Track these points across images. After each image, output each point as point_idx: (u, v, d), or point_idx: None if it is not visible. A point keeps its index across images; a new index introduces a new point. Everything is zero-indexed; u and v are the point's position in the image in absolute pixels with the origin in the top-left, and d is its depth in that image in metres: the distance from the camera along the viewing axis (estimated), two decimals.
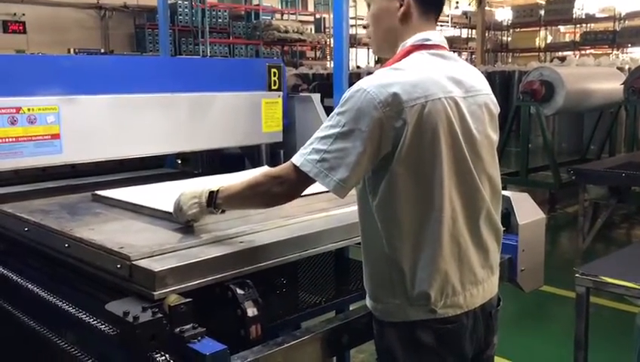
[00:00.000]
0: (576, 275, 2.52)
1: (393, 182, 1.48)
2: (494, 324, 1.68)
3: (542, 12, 20.86)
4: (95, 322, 1.46)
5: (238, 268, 1.54)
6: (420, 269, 1.52)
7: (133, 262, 1.45)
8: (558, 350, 3.58)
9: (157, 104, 2.53)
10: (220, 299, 1.50)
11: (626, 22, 20.97)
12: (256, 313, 1.47)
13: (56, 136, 2.21)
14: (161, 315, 1.32)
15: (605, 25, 21.59)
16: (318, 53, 22.48)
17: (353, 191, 1.57)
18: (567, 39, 23.98)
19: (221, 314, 1.50)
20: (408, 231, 1.51)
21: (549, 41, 22.79)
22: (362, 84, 1.48)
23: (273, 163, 2.97)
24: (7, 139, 2.09)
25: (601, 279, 2.47)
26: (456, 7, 24.49)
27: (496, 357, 1.76)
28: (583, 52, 20.94)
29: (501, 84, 14.41)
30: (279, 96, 2.93)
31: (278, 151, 3.03)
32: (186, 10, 18.21)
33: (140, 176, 2.76)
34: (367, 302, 1.65)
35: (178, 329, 1.34)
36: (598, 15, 21.96)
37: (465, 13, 24.37)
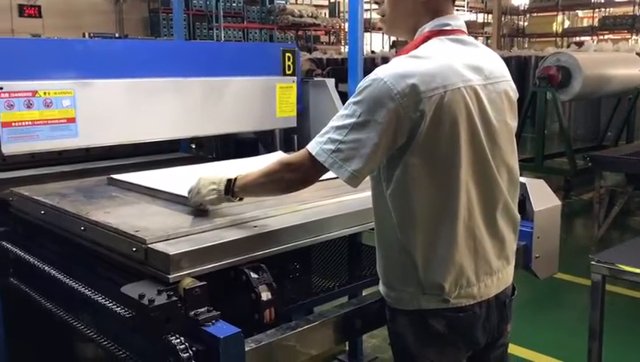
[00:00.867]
0: (592, 263, 2.50)
1: (408, 172, 1.47)
2: (508, 313, 1.67)
3: None
4: (111, 304, 1.48)
5: (252, 252, 1.54)
6: (433, 261, 1.50)
7: (149, 246, 1.46)
8: (572, 338, 3.56)
9: (171, 88, 2.53)
10: (235, 283, 1.51)
11: None
12: (270, 297, 1.48)
13: (71, 120, 2.22)
14: (176, 298, 1.33)
15: (625, 9, 21.24)
16: (332, 38, 22.35)
17: (367, 178, 1.57)
18: (585, 24, 23.60)
19: (235, 298, 1.51)
20: (422, 221, 1.49)
21: (566, 26, 22.47)
22: (379, 72, 1.45)
23: (287, 148, 2.97)
24: (23, 123, 2.11)
25: (617, 267, 2.45)
26: None
27: (509, 345, 1.76)
28: (601, 37, 20.62)
29: (517, 69, 14.23)
30: (293, 81, 2.92)
31: (292, 136, 3.02)
32: None
33: (154, 161, 2.77)
34: (380, 288, 1.65)
35: (193, 313, 1.35)
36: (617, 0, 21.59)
37: None
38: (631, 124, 7.96)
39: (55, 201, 1.89)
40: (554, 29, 21.80)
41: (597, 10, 21.45)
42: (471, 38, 1.60)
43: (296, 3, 20.93)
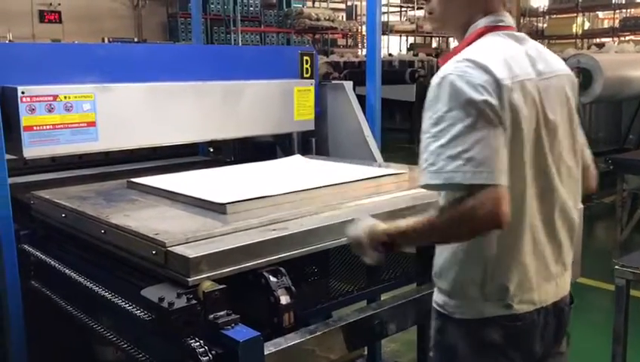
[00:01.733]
0: (616, 267, 2.46)
1: None
2: (566, 322, 1.61)
3: None
4: (131, 307, 1.48)
5: (271, 255, 1.54)
6: (501, 262, 1.46)
7: (169, 249, 1.47)
8: (596, 343, 3.50)
9: (190, 92, 2.54)
10: (254, 287, 1.51)
11: None
12: (289, 301, 1.48)
13: (92, 124, 2.24)
14: (195, 302, 1.34)
15: None
16: (349, 41, 22.35)
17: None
18: (605, 25, 23.33)
19: (254, 302, 1.50)
20: None
21: (586, 27, 22.21)
22: (454, 70, 1.38)
23: (305, 151, 2.97)
24: (44, 127, 2.13)
25: None
26: None
27: None
28: (622, 38, 20.35)
29: None
30: (311, 84, 2.91)
31: (310, 139, 3.01)
32: None
33: (174, 164, 2.78)
34: (437, 297, 1.58)
35: (212, 316, 1.35)
36: (638, 0, 21.29)
37: None
38: None
39: (75, 205, 1.90)
40: (574, 30, 21.55)
41: (617, 11, 21.17)
42: (523, 35, 1.56)
43: (313, 6, 20.95)
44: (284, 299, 1.47)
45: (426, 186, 1.39)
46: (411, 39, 23.21)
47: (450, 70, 1.39)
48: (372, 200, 1.91)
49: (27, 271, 2.05)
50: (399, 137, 12.71)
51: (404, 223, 1.47)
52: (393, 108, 13.40)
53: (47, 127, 2.13)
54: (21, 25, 15.91)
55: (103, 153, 2.55)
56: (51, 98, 2.14)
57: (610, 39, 20.49)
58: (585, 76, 7.08)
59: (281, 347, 1.44)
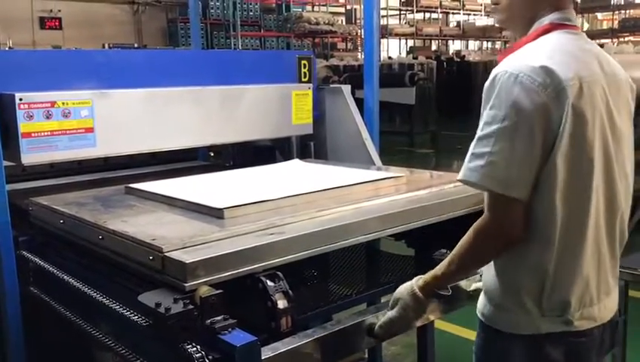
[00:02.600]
0: None
1: (552, 175, 1.32)
2: (618, 338, 1.60)
3: None
4: (128, 313, 1.48)
5: (269, 259, 1.53)
6: (562, 274, 1.37)
7: (166, 254, 1.46)
8: None
9: (189, 97, 2.54)
10: (251, 291, 1.50)
11: None
12: (286, 305, 1.47)
13: (90, 130, 2.24)
14: (192, 307, 1.34)
15: None
16: (348, 45, 22.38)
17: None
18: (604, 26, 23.36)
19: (252, 306, 1.50)
20: (558, 228, 1.36)
21: (585, 28, 22.24)
22: (508, 67, 1.32)
23: (304, 155, 2.97)
24: (42, 133, 2.13)
25: None
26: None
27: None
28: (621, 39, 20.37)
29: None
30: (309, 88, 2.91)
31: (309, 143, 3.02)
32: (217, 3, 18.32)
33: (173, 169, 2.79)
34: (484, 310, 1.50)
35: (209, 321, 1.35)
36: (637, 1, 21.32)
37: None
38: None
39: (73, 211, 1.90)
40: None
41: (617, 12, 21.21)
42: (581, 33, 1.48)
43: (313, 11, 20.99)
44: (282, 304, 1.46)
45: (459, 180, 1.38)
46: (411, 42, 23.24)
47: (506, 66, 1.32)
48: (370, 203, 1.90)
49: (26, 278, 2.05)
50: (399, 140, 12.71)
51: (438, 267, 1.45)
52: (393, 111, 13.40)
53: (45, 133, 2.14)
54: (22, 31, 15.96)
55: (102, 159, 2.55)
56: (49, 104, 2.14)
57: (610, 40, 20.49)
58: None
59: (279, 351, 1.44)
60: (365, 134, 2.83)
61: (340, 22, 20.93)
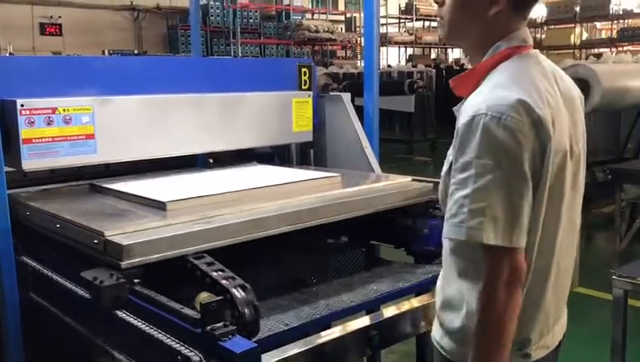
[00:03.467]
0: (614, 277, 2.46)
1: (537, 215, 1.29)
2: (556, 359, 1.53)
3: (577, 8, 20.45)
4: (76, 287, 1.73)
5: (197, 245, 1.72)
6: (526, 309, 1.32)
7: (107, 238, 1.67)
8: (594, 354, 3.50)
9: (189, 104, 2.55)
10: (182, 271, 1.68)
11: None
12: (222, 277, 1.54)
13: (90, 136, 2.25)
14: (124, 280, 1.54)
15: None
16: (348, 52, 22.46)
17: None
18: (603, 36, 23.45)
19: (189, 285, 1.64)
20: (531, 270, 1.32)
21: (584, 38, 22.34)
22: (488, 109, 1.23)
23: (303, 162, 2.98)
24: (43, 139, 2.14)
25: (639, 281, 2.41)
26: None
27: None
28: (620, 49, 20.46)
29: None
30: (309, 96, 2.92)
31: (308, 150, 3.03)
32: (217, 11, 18.41)
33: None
34: (442, 339, 1.44)
35: (209, 327, 1.35)
36: (636, 10, 21.42)
37: None
38: None
39: (39, 204, 2.07)
40: (572, 41, 21.67)
41: (615, 21, 21.29)
42: (538, 52, 1.43)
43: (313, 18, 21.07)
44: (239, 294, 1.50)
45: (449, 239, 1.31)
46: (410, 50, 23.33)
47: (483, 108, 1.24)
48: (298, 199, 2.08)
49: (26, 283, 2.06)
50: (398, 148, 12.74)
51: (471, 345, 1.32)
52: (392, 119, 13.44)
53: (46, 139, 2.14)
54: (22, 37, 16.01)
55: (102, 165, 2.55)
56: (50, 111, 2.15)
57: (608, 49, 20.61)
58: (583, 86, 7.11)
59: (279, 358, 1.44)
60: (365, 142, 2.84)
61: (339, 29, 21.02)
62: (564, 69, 6.94)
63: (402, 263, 2.31)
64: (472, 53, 1.45)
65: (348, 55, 22.28)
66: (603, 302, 4.19)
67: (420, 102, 13.18)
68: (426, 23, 24.06)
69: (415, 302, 1.90)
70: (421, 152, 13.04)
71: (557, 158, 1.29)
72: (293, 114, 2.86)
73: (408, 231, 2.26)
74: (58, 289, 1.83)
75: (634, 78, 7.83)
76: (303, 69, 2.98)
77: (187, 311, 1.41)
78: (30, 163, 2.12)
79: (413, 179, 2.39)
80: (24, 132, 2.09)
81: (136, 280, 1.57)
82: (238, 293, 1.48)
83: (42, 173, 2.34)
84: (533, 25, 23.23)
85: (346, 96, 2.96)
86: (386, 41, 20.49)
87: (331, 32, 19.76)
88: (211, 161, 3.12)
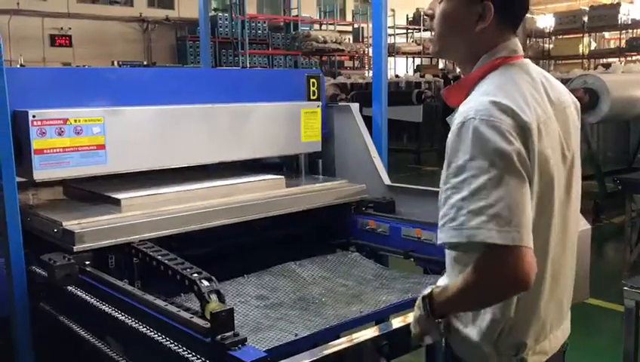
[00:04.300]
0: (625, 288, 2.44)
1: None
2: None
3: (585, 18, 20.41)
4: (41, 271, 1.98)
5: (141, 233, 2.07)
6: (521, 315, 1.35)
7: (64, 227, 2.00)
8: None
9: (198, 115, 2.57)
10: (134, 255, 2.01)
11: None
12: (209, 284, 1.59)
13: (101, 147, 2.26)
14: (74, 261, 1.86)
15: None
16: (356, 63, 22.52)
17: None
18: (612, 45, 23.40)
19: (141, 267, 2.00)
20: None
21: (592, 47, 22.29)
22: (477, 114, 1.25)
23: (312, 172, 2.99)
24: (55, 150, 2.16)
25: None
26: None
27: None
28: (629, 58, 20.39)
29: None
30: (318, 106, 2.94)
31: (317, 160, 3.03)
32: (226, 22, 18.52)
33: None
34: (452, 342, 1.46)
35: (219, 337, 1.35)
36: None
37: None
38: None
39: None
40: (580, 50, 21.61)
41: (624, 31, 21.24)
42: (528, 61, 1.44)
43: (320, 29, 21.16)
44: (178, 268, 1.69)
45: (446, 244, 1.28)
46: (418, 60, 23.36)
47: (472, 113, 1.26)
48: (239, 198, 2.42)
49: (37, 293, 2.07)
50: (407, 158, 12.73)
51: (448, 290, 1.35)
52: (400, 130, 13.43)
53: (58, 150, 2.16)
54: (32, 49, 16.17)
55: (115, 175, 2.57)
56: (61, 121, 2.17)
57: (617, 59, 20.55)
58: (592, 96, 7.09)
59: None
60: (374, 152, 2.85)
61: (347, 40, 21.09)
62: (572, 79, 6.93)
63: (411, 273, 2.30)
64: (462, 66, 1.48)
65: (355, 65, 22.34)
66: (614, 314, 4.15)
67: (428, 112, 13.16)
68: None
69: None
70: (429, 162, 13.02)
71: (543, 164, 1.30)
72: (302, 124, 2.87)
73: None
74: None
75: None
76: (312, 80, 2.99)
77: (197, 320, 1.41)
78: (42, 173, 2.14)
79: None
80: (36, 142, 2.11)
81: (87, 262, 1.91)
82: (177, 267, 1.70)
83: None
84: (542, 35, 23.25)
85: (355, 107, 2.97)
86: (393, 51, 20.54)
87: (339, 43, 19.82)
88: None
